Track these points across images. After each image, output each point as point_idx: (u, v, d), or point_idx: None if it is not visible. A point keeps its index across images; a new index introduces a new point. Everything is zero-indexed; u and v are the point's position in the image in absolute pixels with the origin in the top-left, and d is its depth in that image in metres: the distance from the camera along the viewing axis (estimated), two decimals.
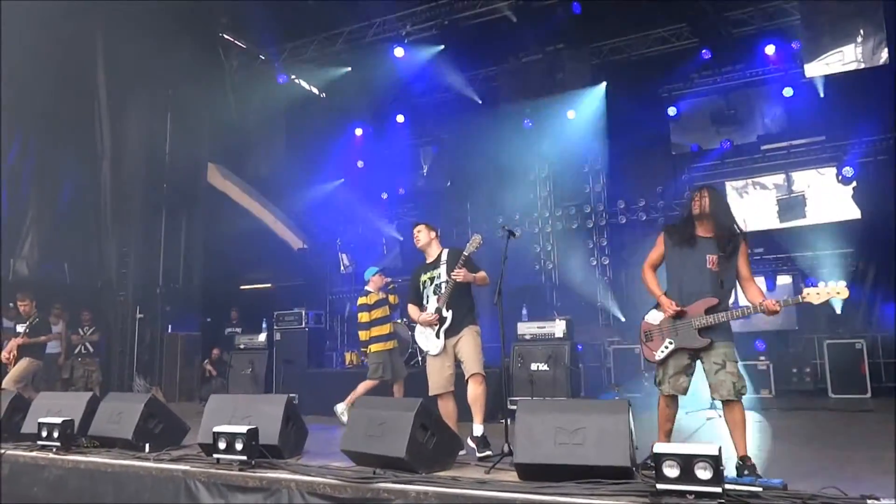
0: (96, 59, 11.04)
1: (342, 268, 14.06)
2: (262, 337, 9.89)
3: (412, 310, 5.54)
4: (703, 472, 3.10)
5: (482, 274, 5.30)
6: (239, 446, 4.36)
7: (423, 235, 5.56)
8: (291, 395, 6.89)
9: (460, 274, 5.09)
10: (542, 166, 13.12)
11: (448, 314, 5.21)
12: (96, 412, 5.54)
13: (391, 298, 7.57)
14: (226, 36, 12.75)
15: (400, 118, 13.48)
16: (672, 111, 12.00)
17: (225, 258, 12.92)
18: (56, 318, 10.02)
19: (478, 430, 4.98)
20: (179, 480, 4.44)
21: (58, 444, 5.18)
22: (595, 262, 12.41)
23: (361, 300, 7.41)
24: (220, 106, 12.39)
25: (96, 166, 11.04)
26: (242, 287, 14.40)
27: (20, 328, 8.25)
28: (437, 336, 5.24)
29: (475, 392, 5.07)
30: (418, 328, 5.43)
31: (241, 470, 4.30)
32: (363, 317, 7.31)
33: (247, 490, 4.19)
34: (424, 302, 5.45)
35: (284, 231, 14.43)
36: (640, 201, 12.08)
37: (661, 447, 3.24)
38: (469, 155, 13.16)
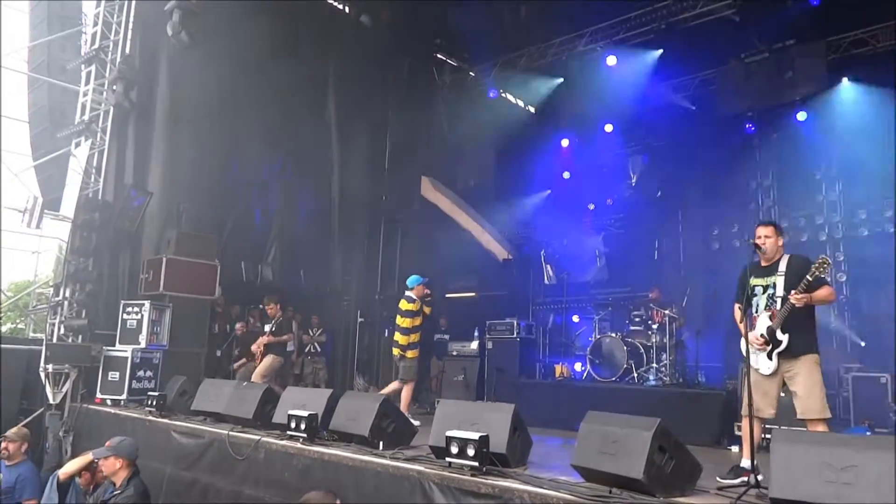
0: (328, 86, 12.12)
1: (546, 279, 14.09)
2: (475, 345, 10.17)
3: (736, 311, 5.02)
4: None
5: (823, 292, 4.61)
6: (471, 452, 4.45)
7: (771, 242, 4.87)
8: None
9: (801, 300, 4.52)
10: (765, 173, 12.12)
11: (784, 338, 4.63)
12: (335, 408, 6.02)
13: (426, 309, 8.01)
14: (439, 55, 13.42)
15: (608, 127, 13.20)
16: None
17: (434, 267, 13.46)
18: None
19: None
20: (415, 480, 4.65)
21: (304, 434, 5.69)
22: (829, 279, 11.14)
23: (408, 306, 7.82)
24: (433, 122, 13.04)
25: (328, 184, 12.13)
26: (448, 295, 14.92)
27: (267, 327, 9.25)
28: (770, 357, 4.72)
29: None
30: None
31: (472, 476, 4.40)
32: (405, 322, 7.77)
33: (479, 496, 4.27)
34: (753, 311, 4.88)
35: (490, 242, 14.75)
36: (885, 211, 10.66)
37: None
38: (682, 163, 12.57)
